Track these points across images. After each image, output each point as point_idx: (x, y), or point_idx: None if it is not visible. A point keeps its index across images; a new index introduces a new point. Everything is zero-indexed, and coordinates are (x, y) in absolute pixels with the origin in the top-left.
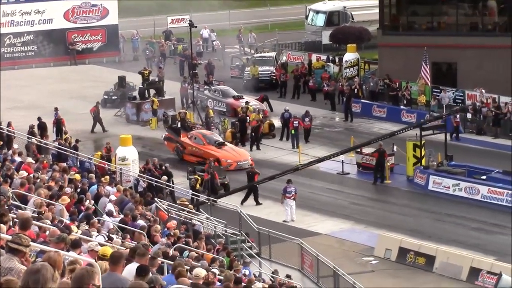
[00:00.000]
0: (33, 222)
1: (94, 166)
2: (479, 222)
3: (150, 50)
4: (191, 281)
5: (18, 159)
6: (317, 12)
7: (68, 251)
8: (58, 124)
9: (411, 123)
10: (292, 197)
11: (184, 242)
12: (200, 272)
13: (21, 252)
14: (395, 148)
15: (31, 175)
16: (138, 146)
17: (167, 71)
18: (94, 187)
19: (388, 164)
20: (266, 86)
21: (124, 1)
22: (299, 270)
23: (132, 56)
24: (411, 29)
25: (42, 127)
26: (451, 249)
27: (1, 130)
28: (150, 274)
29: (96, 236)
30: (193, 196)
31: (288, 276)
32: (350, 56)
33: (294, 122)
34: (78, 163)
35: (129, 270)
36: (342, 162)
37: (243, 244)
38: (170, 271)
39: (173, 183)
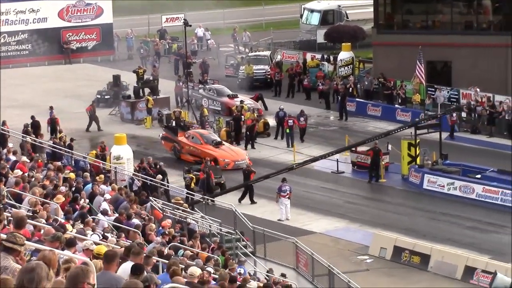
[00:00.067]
0: (28, 221)
1: (89, 165)
2: (474, 221)
3: (145, 49)
4: (186, 280)
5: (12, 158)
6: (312, 11)
7: (63, 250)
8: (53, 123)
9: (406, 122)
10: (287, 196)
11: (179, 241)
12: (195, 271)
13: (16, 251)
14: (390, 147)
15: (26, 174)
16: (132, 145)
17: (161, 70)
18: (89, 186)
19: (383, 163)
20: (261, 85)
21: (118, 0)
22: (294, 269)
23: (127, 55)
24: (405, 28)
25: (35, 125)
26: (446, 248)
27: None
28: (145, 273)
29: (91, 235)
30: (188, 195)
31: (283, 275)
32: (344, 55)
33: (289, 121)
34: (73, 162)
35: (124, 269)
36: (337, 161)
37: (238, 243)
38: (165, 270)
39: (167, 182)
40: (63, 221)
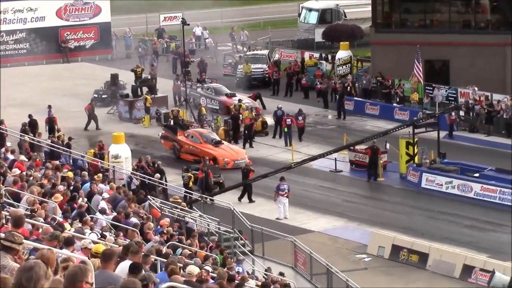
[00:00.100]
0: (26, 219)
1: (87, 164)
2: (472, 219)
3: (143, 47)
4: (184, 278)
5: (11, 157)
6: (310, 10)
7: (61, 248)
8: (51, 122)
9: (404, 121)
10: (285, 195)
11: (177, 240)
12: (193, 269)
13: (14, 250)
14: (388, 145)
15: (24, 173)
16: (131, 144)
17: (159, 69)
18: (87, 184)
19: (381, 161)
20: (259, 84)
21: (116, 0)
22: (292, 268)
23: (125, 54)
24: (403, 27)
25: (33, 124)
26: (444, 247)
27: None
28: (143, 272)
29: (89, 233)
30: (186, 194)
31: (281, 274)
32: (342, 54)
33: (287, 120)
34: (71, 160)
35: (122, 268)
36: (335, 159)
37: (236, 241)
38: (163, 269)
39: (166, 181)
40: (61, 220)
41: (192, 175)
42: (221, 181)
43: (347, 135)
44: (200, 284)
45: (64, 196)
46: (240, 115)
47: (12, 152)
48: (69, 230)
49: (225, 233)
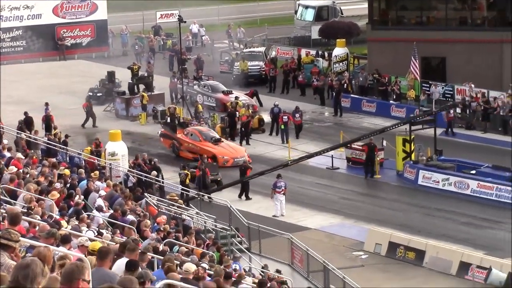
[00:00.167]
0: (23, 217)
1: (83, 161)
2: (469, 216)
3: (139, 45)
4: (181, 276)
5: (7, 154)
6: (306, 7)
7: (58, 246)
8: (48, 120)
9: (400, 118)
10: (282, 192)
11: (174, 237)
12: (190, 267)
13: (10, 248)
14: (384, 143)
15: (21, 171)
16: (127, 141)
17: (156, 66)
18: (84, 182)
19: (378, 159)
20: (256, 81)
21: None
22: (289, 265)
23: (121, 51)
24: (400, 24)
25: (28, 122)
26: (441, 244)
27: None
28: (140, 269)
29: (86, 231)
30: (182, 191)
31: (278, 271)
32: (339, 51)
33: (284, 117)
34: (67, 158)
35: (119, 265)
36: (332, 157)
37: (233, 239)
38: (160, 266)
39: (162, 178)
40: (58, 217)
41: (189, 173)
42: (218, 179)
43: (343, 132)
44: (197, 282)
45: (61, 194)
46: (237, 113)
47: (9, 149)
48: (65, 228)
49: (222, 230)
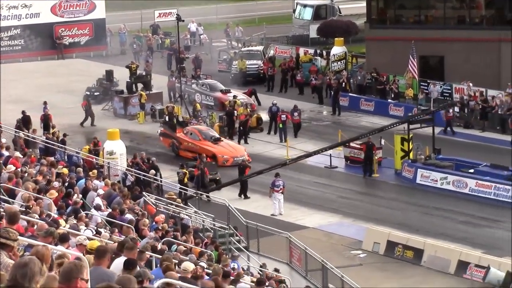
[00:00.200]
0: (21, 216)
1: (82, 160)
2: (467, 215)
3: (138, 44)
4: (179, 275)
5: (5, 153)
6: (305, 6)
7: (56, 245)
8: (46, 119)
9: (399, 116)
10: (280, 191)
11: (172, 236)
12: (188, 266)
13: (9, 246)
14: (383, 141)
15: (19, 169)
16: (125, 140)
17: (154, 65)
18: (82, 181)
19: (376, 157)
20: (254, 80)
21: None
22: (288, 264)
23: (120, 50)
24: (398, 23)
25: (26, 120)
26: (439, 243)
27: None
28: (138, 268)
29: (84, 230)
30: (181, 190)
31: (276, 270)
32: (337, 49)
33: (282, 116)
34: (65, 157)
35: (118, 264)
36: (330, 156)
37: (231, 238)
38: (158, 265)
39: (160, 177)
40: (56, 216)
41: (187, 171)
42: (217, 178)
43: (342, 131)
44: (195, 281)
45: (59, 193)
46: (235, 111)
47: (7, 148)
48: (64, 227)
49: (220, 229)
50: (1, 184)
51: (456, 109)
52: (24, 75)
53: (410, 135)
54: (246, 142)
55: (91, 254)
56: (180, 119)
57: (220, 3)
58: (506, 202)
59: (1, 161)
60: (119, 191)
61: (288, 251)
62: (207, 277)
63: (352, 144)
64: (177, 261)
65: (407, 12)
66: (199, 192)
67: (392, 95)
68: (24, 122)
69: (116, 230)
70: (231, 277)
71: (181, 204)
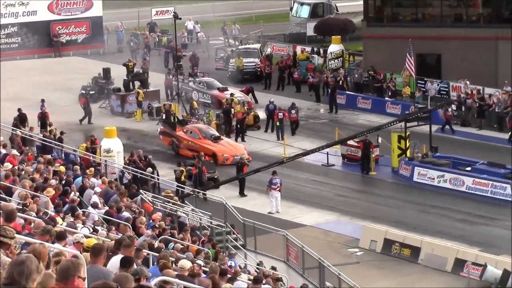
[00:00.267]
0: (18, 214)
1: (79, 158)
2: (464, 213)
3: (135, 42)
4: (176, 273)
5: (2, 151)
6: (302, 3)
7: (53, 243)
8: (43, 117)
9: (396, 114)
10: (278, 189)
11: (169, 234)
12: (185, 263)
13: (6, 244)
14: (379, 139)
15: (16, 167)
16: (123, 138)
17: (151, 63)
18: (79, 179)
19: (373, 155)
20: (251, 78)
21: None
22: (285, 262)
23: (117, 48)
24: (395, 21)
25: (22, 118)
26: (436, 241)
27: None
28: (135, 266)
29: (81, 228)
30: (178, 188)
31: (274, 268)
32: (334, 47)
33: (279, 114)
34: (63, 155)
35: (115, 262)
36: (327, 153)
37: (228, 235)
38: (155, 263)
39: (158, 175)
40: (53, 214)
41: (184, 169)
42: (215, 177)
43: (339, 129)
44: (192, 278)
45: (56, 190)
46: (232, 109)
47: (4, 146)
48: (61, 225)
49: (217, 227)
50: None
51: (453, 107)
52: (21, 73)
53: (407, 133)
54: (243, 140)
55: (88, 252)
56: (180, 117)
57: (217, 1)
58: (503, 200)
59: None
60: (116, 189)
61: (285, 249)
62: (204, 275)
63: (349, 142)
64: (174, 259)
65: (404, 10)
66: (196, 190)
67: (389, 93)
68: (21, 120)
69: (113, 228)
70: (228, 275)
71: (178, 202)
